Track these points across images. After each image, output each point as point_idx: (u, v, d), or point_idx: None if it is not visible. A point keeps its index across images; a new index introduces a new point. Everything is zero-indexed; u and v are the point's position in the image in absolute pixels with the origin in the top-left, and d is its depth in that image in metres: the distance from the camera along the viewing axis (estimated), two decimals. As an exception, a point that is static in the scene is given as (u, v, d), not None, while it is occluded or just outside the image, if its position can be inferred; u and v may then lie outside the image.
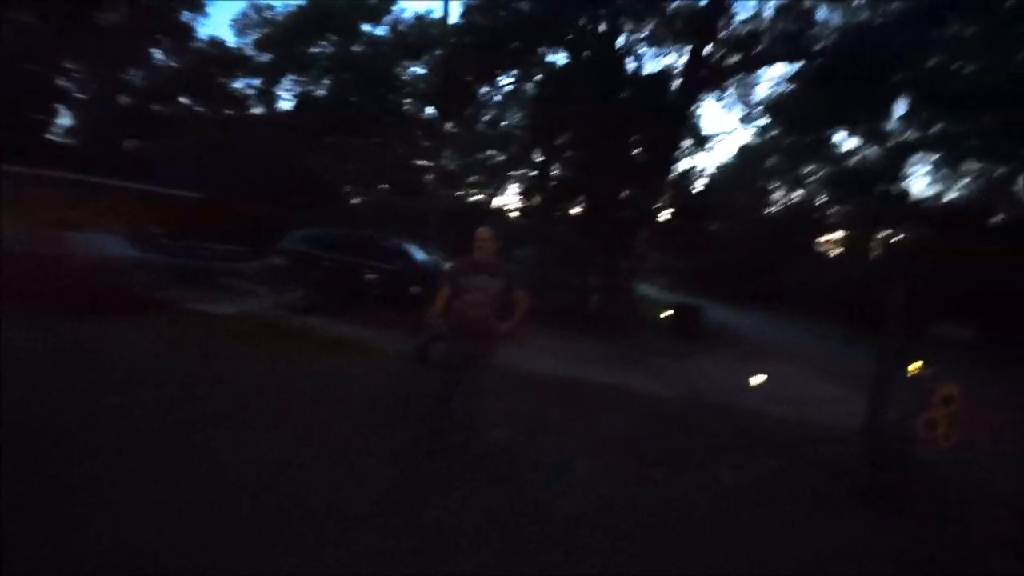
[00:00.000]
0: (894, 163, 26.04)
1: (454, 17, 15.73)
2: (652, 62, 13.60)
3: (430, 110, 17.93)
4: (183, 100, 23.55)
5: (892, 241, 21.13)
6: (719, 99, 14.63)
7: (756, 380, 5.93)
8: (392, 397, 5.09)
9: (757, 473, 4.12)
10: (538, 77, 14.07)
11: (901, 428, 3.70)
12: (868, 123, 21.69)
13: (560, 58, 14.13)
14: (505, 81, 14.89)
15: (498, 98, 19.24)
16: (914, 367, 3.96)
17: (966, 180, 24.50)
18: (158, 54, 23.03)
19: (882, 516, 3.60)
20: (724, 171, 30.71)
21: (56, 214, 11.40)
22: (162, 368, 5.27)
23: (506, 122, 27.00)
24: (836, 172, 30.43)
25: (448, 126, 25.08)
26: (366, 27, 25.77)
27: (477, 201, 29.38)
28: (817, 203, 34.78)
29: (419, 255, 9.80)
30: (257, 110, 25.79)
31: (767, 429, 5.55)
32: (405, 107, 25.24)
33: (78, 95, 21.37)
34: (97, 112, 21.21)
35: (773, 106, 16.17)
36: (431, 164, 14.56)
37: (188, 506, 2.79)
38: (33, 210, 10.89)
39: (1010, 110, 13.84)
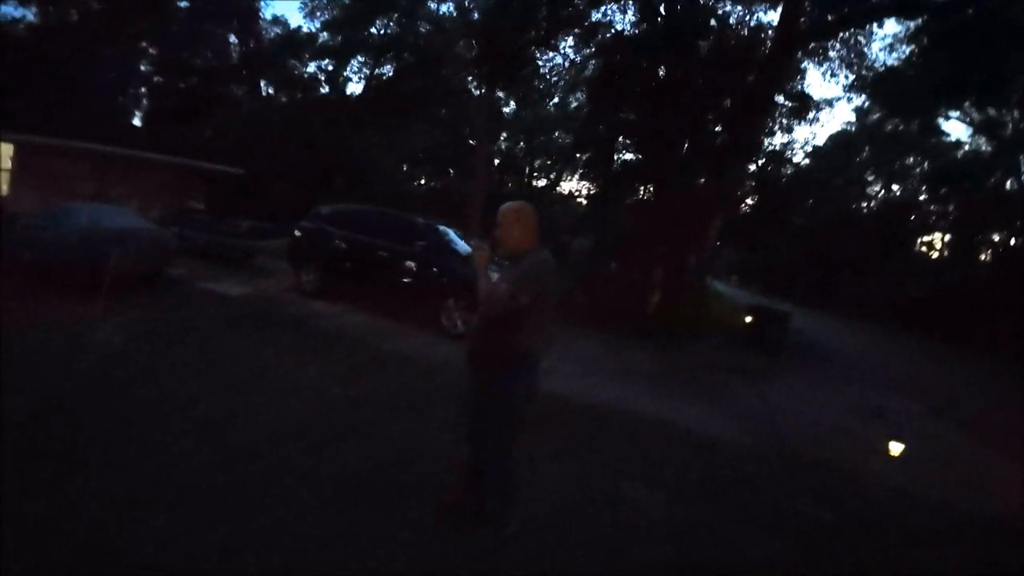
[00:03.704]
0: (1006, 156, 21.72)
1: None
2: (739, 20, 11.29)
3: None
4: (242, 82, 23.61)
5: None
6: (819, 65, 12.26)
7: (896, 448, 4.14)
8: (370, 410, 3.76)
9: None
10: (600, 41, 12.22)
11: None
12: (982, 104, 17.92)
13: (627, 19, 12.28)
14: (562, 45, 13.15)
15: (559, 71, 17.51)
16: None
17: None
18: (224, 35, 23.09)
19: None
20: (813, 156, 27.25)
21: (83, 186, 11.09)
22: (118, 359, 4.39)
23: (573, 104, 25.19)
24: (940, 165, 26.13)
25: (509, 105, 23.69)
26: (431, 5, 24.74)
27: (537, 187, 27.87)
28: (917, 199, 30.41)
29: (455, 240, 8.38)
30: (323, 91, 25.52)
31: (906, 518, 3.72)
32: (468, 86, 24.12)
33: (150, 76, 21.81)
34: (159, 91, 21.64)
35: (877, 81, 13.44)
36: (478, 145, 13.15)
37: None
38: (52, 183, 10.61)
39: None
